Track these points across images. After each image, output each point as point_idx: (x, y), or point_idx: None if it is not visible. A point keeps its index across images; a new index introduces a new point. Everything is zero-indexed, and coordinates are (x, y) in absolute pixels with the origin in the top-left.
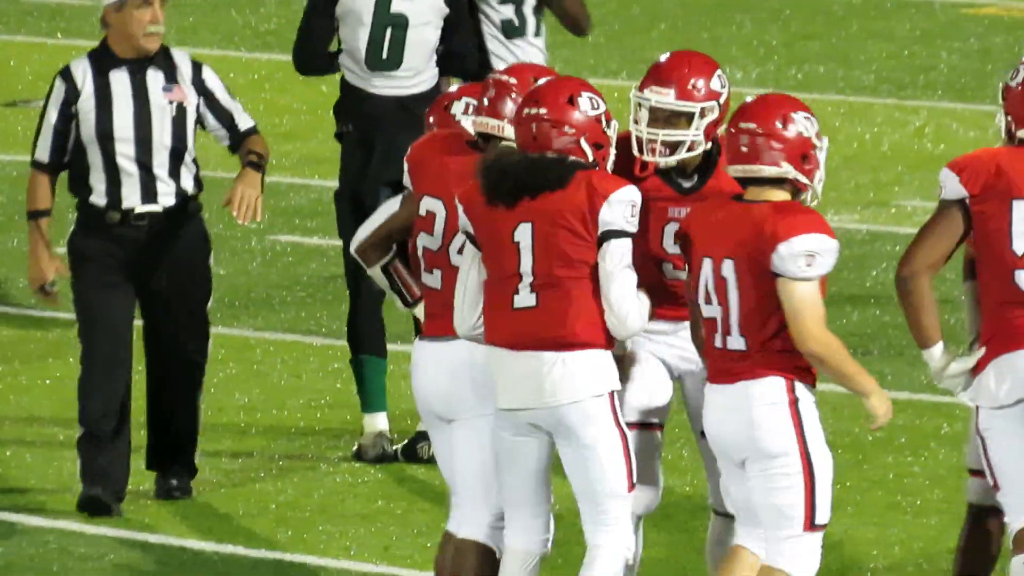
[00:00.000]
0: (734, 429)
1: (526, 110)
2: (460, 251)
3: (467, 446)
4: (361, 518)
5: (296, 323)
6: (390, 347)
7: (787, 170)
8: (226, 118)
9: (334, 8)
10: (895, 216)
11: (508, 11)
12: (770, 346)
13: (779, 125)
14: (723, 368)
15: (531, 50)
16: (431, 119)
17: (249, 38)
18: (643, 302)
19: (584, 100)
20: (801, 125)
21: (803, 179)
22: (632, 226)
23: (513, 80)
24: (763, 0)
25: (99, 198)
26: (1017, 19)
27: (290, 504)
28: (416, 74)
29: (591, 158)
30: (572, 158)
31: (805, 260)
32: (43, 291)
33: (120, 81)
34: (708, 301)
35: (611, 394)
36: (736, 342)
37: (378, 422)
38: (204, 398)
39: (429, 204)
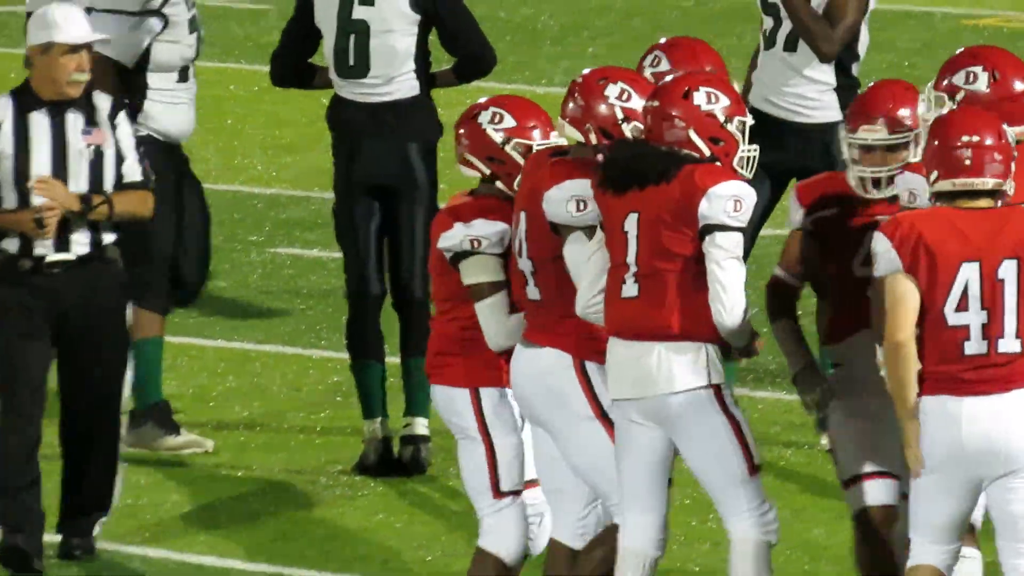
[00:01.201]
0: (1005, 438)
1: (647, 102)
2: (519, 253)
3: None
4: (361, 532)
5: (296, 336)
6: (388, 359)
7: (1007, 186)
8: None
9: (311, 19)
10: None
11: None
12: None
13: (1000, 139)
14: (984, 377)
15: None
16: (461, 131)
17: (250, 50)
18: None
19: (700, 94)
20: (1009, 136)
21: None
22: (736, 221)
23: (579, 79)
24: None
25: (11, 244)
26: (1017, 30)
27: (289, 518)
28: (387, 82)
29: (707, 152)
30: (685, 152)
31: None
32: None
33: (40, 122)
34: (964, 308)
35: (716, 385)
36: (1010, 345)
37: (378, 428)
38: (204, 411)
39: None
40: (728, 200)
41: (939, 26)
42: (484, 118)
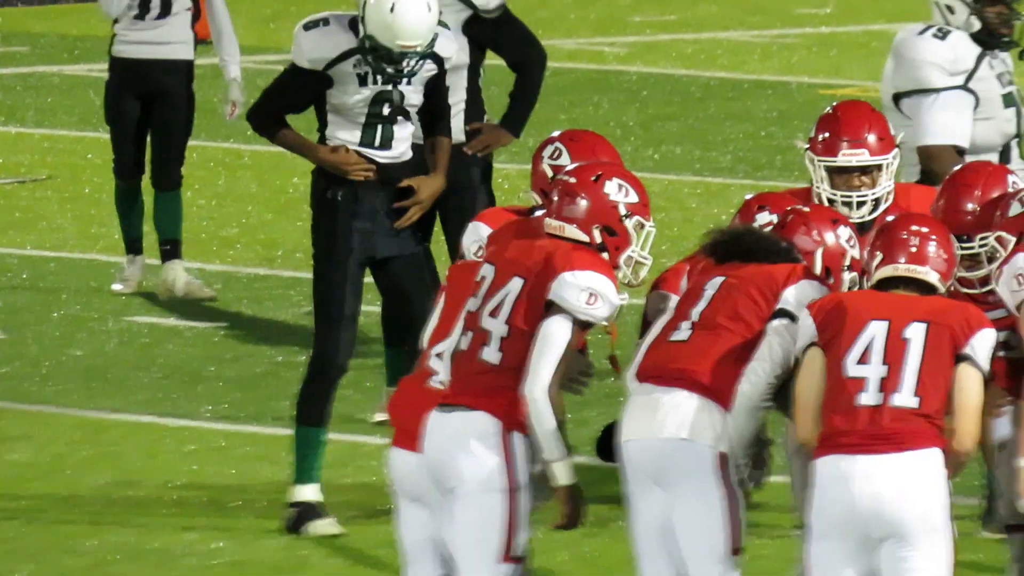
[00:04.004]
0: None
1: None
2: (492, 314)
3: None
4: None
5: (152, 404)
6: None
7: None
8: None
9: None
10: None
11: None
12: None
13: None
14: (875, 433)
15: None
16: (582, 194)
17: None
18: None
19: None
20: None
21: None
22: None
23: (570, 179)
24: (620, 80)
25: None
26: (874, 99)
27: None
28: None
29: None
30: (786, 244)
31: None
32: None
33: None
34: (865, 361)
35: (723, 455)
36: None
37: (308, 493)
38: (60, 480)
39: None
40: (809, 295)
41: (796, 96)
42: (611, 188)
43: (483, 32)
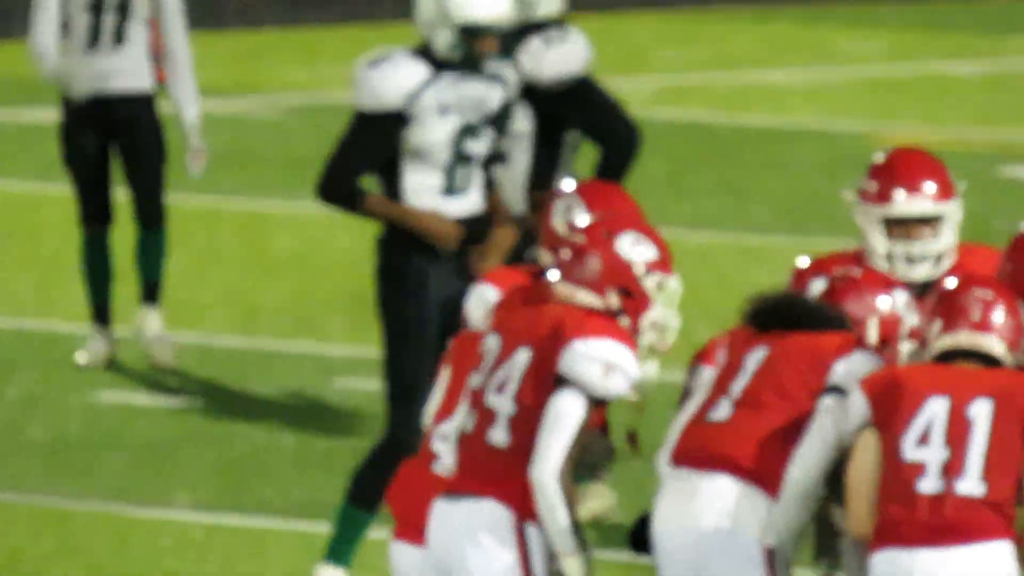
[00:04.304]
0: None
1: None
2: (499, 390)
3: None
4: None
5: (121, 491)
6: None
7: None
8: None
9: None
10: None
11: None
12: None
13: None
14: (937, 524)
15: None
16: (592, 253)
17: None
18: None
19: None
20: None
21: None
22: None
23: (577, 238)
24: (644, 126)
25: None
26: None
27: None
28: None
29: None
30: (837, 311)
31: None
32: None
33: None
34: (925, 443)
35: (770, 549)
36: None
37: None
38: None
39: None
40: (865, 369)
41: (842, 144)
42: (625, 244)
43: (546, 102)
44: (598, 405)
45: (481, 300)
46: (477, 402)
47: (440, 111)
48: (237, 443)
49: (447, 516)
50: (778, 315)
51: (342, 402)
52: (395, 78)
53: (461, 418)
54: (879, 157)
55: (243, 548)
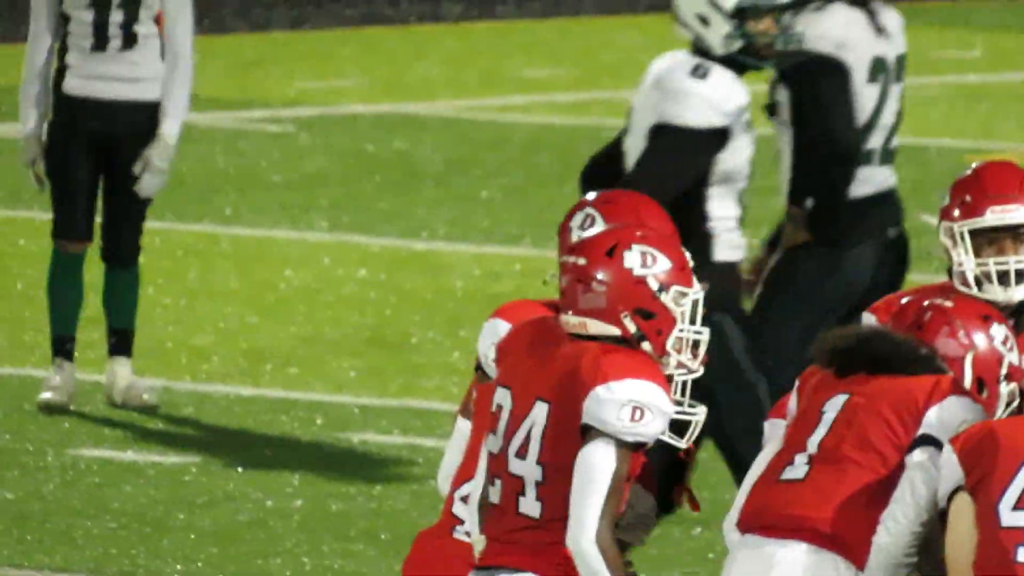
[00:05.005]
0: None
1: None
2: (519, 454)
3: None
4: None
5: (104, 562)
6: None
7: None
8: None
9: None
10: None
11: None
12: None
13: None
14: None
15: None
16: (597, 274)
17: (44, 196)
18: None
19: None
20: None
21: None
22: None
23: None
24: None
25: None
26: None
27: None
28: None
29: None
30: (927, 349)
31: None
32: None
33: None
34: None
35: None
36: None
37: None
38: None
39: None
40: (960, 418)
41: (935, 162)
42: (632, 260)
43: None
44: (633, 451)
45: (492, 336)
46: (498, 470)
47: (747, 127)
48: (239, 507)
49: None
50: (859, 356)
51: (358, 458)
52: (730, 89)
53: (482, 486)
54: (964, 173)
55: None
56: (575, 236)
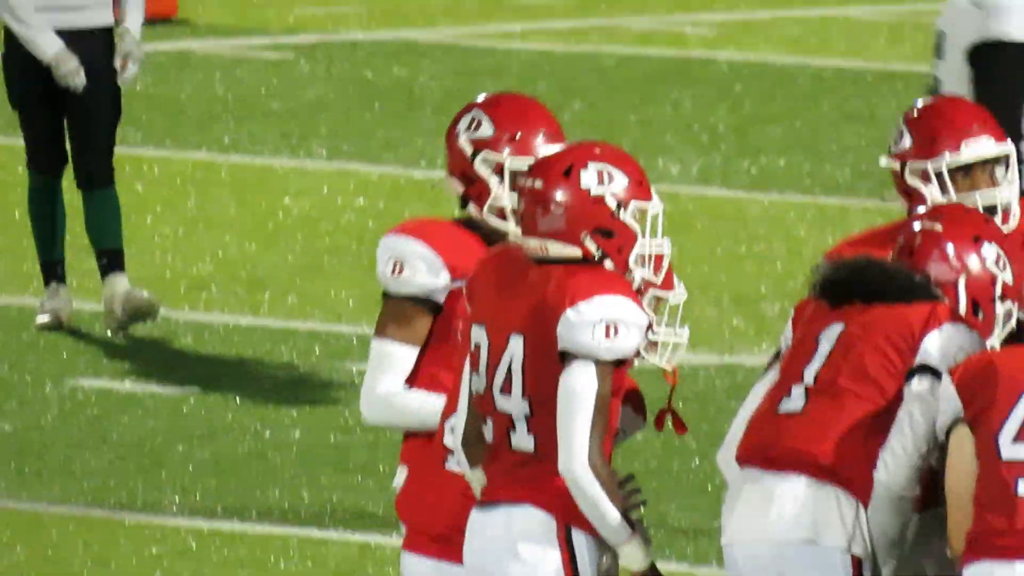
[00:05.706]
0: None
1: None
2: (504, 391)
3: None
4: None
5: (103, 494)
6: None
7: None
8: None
9: None
10: None
11: None
12: None
13: None
14: None
15: None
16: (553, 194)
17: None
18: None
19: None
20: None
21: None
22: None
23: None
24: (706, 71)
25: None
26: None
27: None
28: None
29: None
30: (922, 276)
31: None
32: None
33: None
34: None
35: (858, 558)
36: None
37: None
38: None
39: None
40: (958, 344)
41: None
42: (588, 178)
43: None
44: (615, 368)
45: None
46: (488, 408)
47: None
48: (237, 438)
49: (483, 527)
50: (854, 285)
51: (357, 389)
52: None
53: (465, 421)
54: (910, 113)
55: (242, 559)
56: (463, 139)
